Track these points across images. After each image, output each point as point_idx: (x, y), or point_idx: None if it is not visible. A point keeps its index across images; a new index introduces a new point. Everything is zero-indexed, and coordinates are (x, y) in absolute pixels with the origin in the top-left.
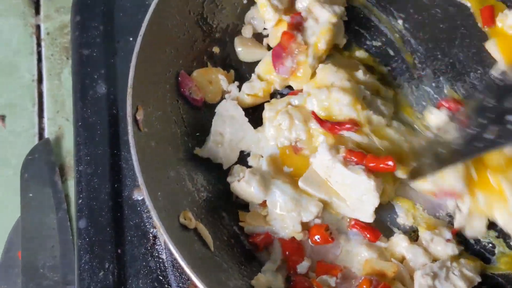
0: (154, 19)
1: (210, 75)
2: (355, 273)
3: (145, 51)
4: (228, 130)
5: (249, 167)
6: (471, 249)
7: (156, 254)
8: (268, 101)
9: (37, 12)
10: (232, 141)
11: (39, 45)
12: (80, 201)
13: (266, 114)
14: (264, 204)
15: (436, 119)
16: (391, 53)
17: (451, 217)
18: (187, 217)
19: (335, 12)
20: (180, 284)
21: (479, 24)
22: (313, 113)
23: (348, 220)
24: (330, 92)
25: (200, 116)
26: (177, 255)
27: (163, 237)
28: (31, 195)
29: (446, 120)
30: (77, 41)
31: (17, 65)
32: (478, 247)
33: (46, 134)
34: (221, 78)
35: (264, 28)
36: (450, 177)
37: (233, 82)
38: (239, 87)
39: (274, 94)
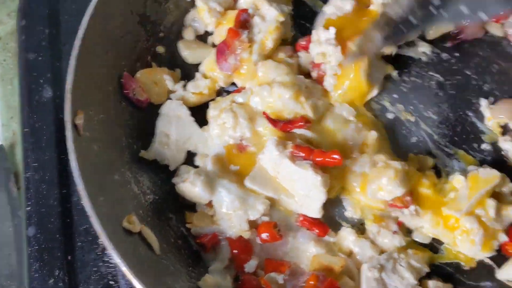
0: (92, 21)
1: (154, 75)
2: (303, 269)
3: (84, 54)
4: (174, 130)
5: (197, 167)
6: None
7: (107, 259)
8: (214, 99)
9: None
10: (178, 142)
11: None
12: (29, 208)
13: (211, 112)
14: (210, 204)
15: None
16: None
17: None
18: (131, 221)
19: (282, 10)
20: None
21: None
22: (265, 113)
23: (297, 216)
24: (272, 88)
25: (145, 118)
26: (118, 261)
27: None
28: None
29: None
30: (23, 45)
31: None
32: None
33: (0, 141)
34: (166, 78)
35: (205, 31)
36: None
37: (179, 81)
38: (185, 86)
39: (220, 92)
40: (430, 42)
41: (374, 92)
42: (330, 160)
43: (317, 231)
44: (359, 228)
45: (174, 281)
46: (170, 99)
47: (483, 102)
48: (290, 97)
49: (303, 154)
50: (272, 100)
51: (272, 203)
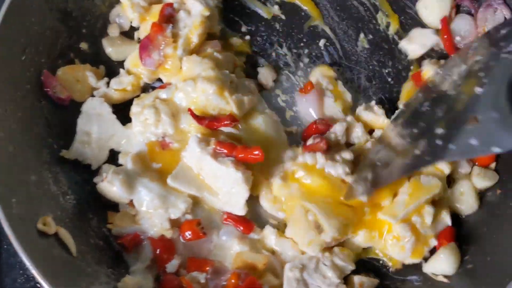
0: (8, 17)
1: (77, 73)
2: (227, 267)
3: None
4: (96, 128)
5: (120, 165)
6: None
7: None
8: (139, 96)
9: None
10: (100, 140)
11: None
12: None
13: (133, 109)
14: (132, 203)
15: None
16: (266, 39)
17: None
18: (46, 223)
19: (208, 4)
20: None
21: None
22: (190, 110)
23: (222, 214)
24: (196, 83)
25: (69, 116)
26: (27, 262)
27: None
28: None
29: None
30: None
31: None
32: None
33: None
34: (89, 75)
35: (132, 27)
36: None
37: (103, 78)
38: (109, 83)
39: (147, 89)
40: None
41: None
42: (252, 157)
43: (241, 228)
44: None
45: (89, 283)
46: (93, 96)
47: None
48: (214, 92)
49: (226, 151)
50: (195, 95)
51: (196, 201)
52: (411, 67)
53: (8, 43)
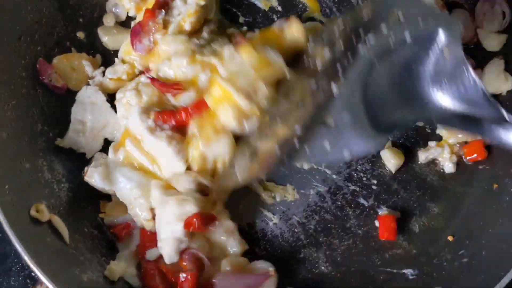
0: (2, 6)
1: (73, 61)
2: None
3: None
4: (90, 117)
5: None
6: None
7: None
8: None
9: None
10: (94, 129)
11: None
12: None
13: (117, 95)
14: None
15: None
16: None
17: None
18: (39, 210)
19: None
20: None
21: None
22: (146, 69)
23: None
24: (170, 61)
25: (63, 105)
26: (19, 249)
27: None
28: None
29: None
30: None
31: None
32: None
33: None
34: (85, 64)
35: (129, 16)
36: None
37: (99, 67)
38: (104, 72)
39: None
40: None
41: None
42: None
43: None
44: None
45: (82, 271)
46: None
47: None
48: (188, 63)
49: (166, 118)
50: (172, 72)
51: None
52: None
53: (3, 31)
